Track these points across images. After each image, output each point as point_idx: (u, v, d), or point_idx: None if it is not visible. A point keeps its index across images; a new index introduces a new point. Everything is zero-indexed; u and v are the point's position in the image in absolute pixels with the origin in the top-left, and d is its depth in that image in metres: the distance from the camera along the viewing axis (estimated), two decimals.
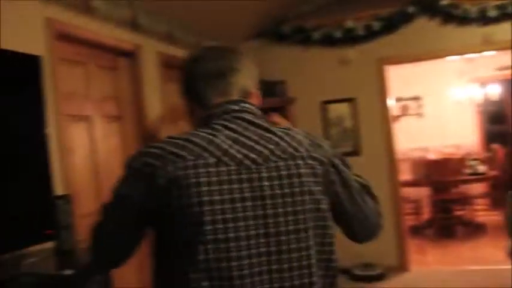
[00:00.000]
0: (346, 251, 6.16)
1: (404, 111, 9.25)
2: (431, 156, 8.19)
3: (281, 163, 1.35)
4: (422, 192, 7.78)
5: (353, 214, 1.51)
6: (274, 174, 1.34)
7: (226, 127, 1.37)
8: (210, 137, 1.33)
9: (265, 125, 1.41)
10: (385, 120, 5.86)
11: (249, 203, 1.31)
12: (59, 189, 2.86)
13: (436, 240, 7.05)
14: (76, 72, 3.43)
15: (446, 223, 7.30)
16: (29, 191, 2.42)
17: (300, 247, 1.33)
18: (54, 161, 2.77)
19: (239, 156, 1.32)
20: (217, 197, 1.28)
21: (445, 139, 9.04)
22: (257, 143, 1.36)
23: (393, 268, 5.67)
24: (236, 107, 1.42)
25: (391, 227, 5.78)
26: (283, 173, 1.34)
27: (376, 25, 5.71)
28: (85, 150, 3.42)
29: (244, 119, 1.40)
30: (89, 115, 3.48)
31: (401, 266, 5.73)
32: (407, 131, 9.02)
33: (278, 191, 1.33)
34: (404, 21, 5.67)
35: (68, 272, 2.19)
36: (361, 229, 1.56)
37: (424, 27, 5.67)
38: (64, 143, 3.03)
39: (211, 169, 1.29)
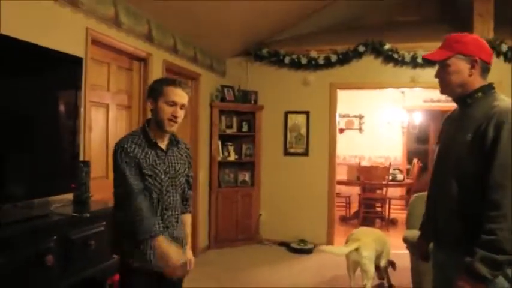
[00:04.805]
0: (287, 229, 6.60)
1: (349, 126, 9.72)
2: (364, 163, 8.68)
3: None
4: (353, 191, 8.29)
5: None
6: None
7: None
8: None
9: None
10: (330, 131, 6.24)
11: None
12: (83, 155, 3.23)
13: None
14: (102, 70, 3.78)
15: (368, 216, 7.81)
16: (62, 154, 2.76)
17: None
18: (80, 135, 3.12)
19: None
20: None
21: (377, 151, 9.55)
22: None
23: (321, 245, 6.07)
24: None
25: (324, 214, 6.24)
26: None
27: (333, 57, 6.09)
28: (101, 129, 3.77)
29: None
30: (107, 103, 3.82)
31: (328, 244, 6.11)
32: (349, 141, 9.53)
33: None
34: (355, 57, 6.08)
35: (86, 214, 2.54)
36: None
37: (369, 63, 6.07)
38: (88, 122, 3.38)
39: None
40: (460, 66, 1.92)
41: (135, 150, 2.19)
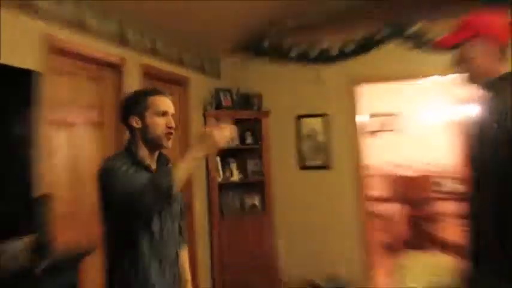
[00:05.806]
0: (312, 263, 6.40)
1: (384, 127, 9.72)
2: (406, 172, 8.63)
3: None
4: (397, 208, 8.18)
5: None
6: None
7: None
8: None
9: None
10: (355, 136, 6.26)
11: None
12: (41, 189, 3.32)
13: None
14: (65, 82, 3.94)
15: (420, 240, 7.70)
16: (10, 192, 2.84)
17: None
18: (37, 163, 3.22)
19: None
20: None
21: (424, 156, 9.50)
22: None
23: (357, 282, 6.02)
24: None
25: (357, 241, 6.16)
26: None
27: (350, 46, 6.14)
28: (67, 154, 3.90)
29: None
30: (73, 122, 3.98)
31: (366, 279, 6.08)
32: (385, 147, 9.52)
33: None
34: (377, 44, 6.10)
35: (44, 265, 2.60)
36: None
37: (394, 50, 6.04)
38: (48, 146, 3.53)
39: None
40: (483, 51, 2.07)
41: (125, 169, 2.19)
